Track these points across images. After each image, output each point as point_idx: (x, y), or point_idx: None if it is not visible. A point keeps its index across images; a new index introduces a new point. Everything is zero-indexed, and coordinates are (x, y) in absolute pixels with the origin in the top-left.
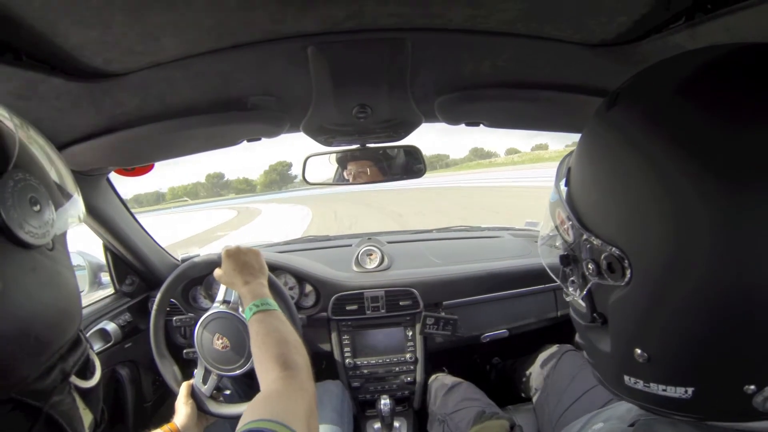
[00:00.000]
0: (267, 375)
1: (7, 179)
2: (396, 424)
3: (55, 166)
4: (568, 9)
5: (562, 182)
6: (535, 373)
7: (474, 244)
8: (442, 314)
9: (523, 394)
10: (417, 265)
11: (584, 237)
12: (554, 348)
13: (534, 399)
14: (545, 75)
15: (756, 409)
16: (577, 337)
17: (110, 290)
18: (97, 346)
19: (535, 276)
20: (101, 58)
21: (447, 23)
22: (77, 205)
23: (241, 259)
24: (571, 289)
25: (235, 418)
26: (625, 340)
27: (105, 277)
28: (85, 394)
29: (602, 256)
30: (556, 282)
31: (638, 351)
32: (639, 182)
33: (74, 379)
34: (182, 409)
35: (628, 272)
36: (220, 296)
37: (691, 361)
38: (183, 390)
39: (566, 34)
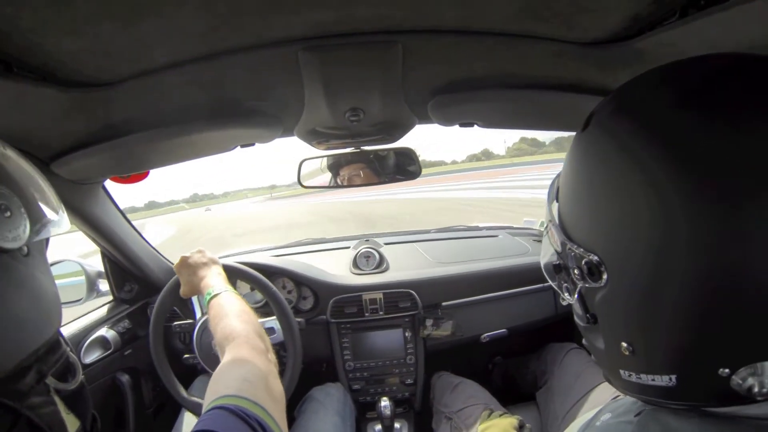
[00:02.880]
0: (221, 351)
1: None
2: (397, 425)
3: (32, 182)
4: (560, 8)
5: (554, 199)
6: (540, 371)
7: (471, 243)
8: (441, 315)
9: (526, 392)
10: (415, 266)
11: (568, 246)
12: (559, 346)
13: (538, 397)
14: (539, 74)
15: (737, 392)
16: (583, 340)
17: (109, 298)
18: (97, 353)
19: (533, 274)
20: (92, 68)
21: (438, 24)
22: (60, 220)
23: (189, 264)
24: (566, 294)
25: None
26: (613, 336)
27: (103, 285)
28: (68, 398)
29: (583, 262)
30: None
31: (624, 345)
32: (612, 195)
33: (54, 382)
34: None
35: (605, 276)
36: (199, 312)
37: (668, 350)
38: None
39: (559, 33)
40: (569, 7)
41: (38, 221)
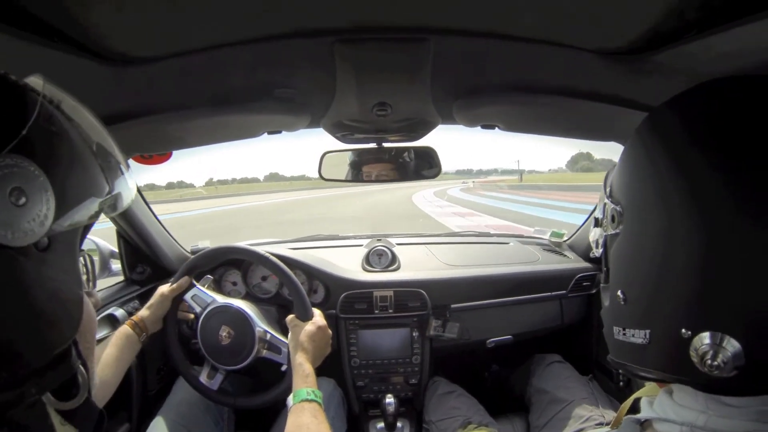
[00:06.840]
0: None
1: None
2: (399, 424)
3: (83, 150)
4: (584, 18)
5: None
6: (523, 382)
7: (482, 249)
8: (449, 317)
9: (518, 402)
10: (426, 267)
11: (605, 202)
12: (542, 358)
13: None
14: (561, 81)
15: (695, 365)
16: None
17: (120, 278)
18: (105, 331)
19: (541, 283)
20: (131, 44)
21: (468, 27)
22: (120, 194)
23: (322, 337)
24: (596, 248)
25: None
26: (615, 283)
27: (115, 265)
28: (67, 414)
29: (610, 211)
30: (562, 290)
31: (619, 293)
32: (643, 173)
33: (51, 401)
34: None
35: (621, 225)
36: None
37: (649, 301)
38: (158, 294)
39: (582, 42)
40: (592, 18)
41: (73, 205)
